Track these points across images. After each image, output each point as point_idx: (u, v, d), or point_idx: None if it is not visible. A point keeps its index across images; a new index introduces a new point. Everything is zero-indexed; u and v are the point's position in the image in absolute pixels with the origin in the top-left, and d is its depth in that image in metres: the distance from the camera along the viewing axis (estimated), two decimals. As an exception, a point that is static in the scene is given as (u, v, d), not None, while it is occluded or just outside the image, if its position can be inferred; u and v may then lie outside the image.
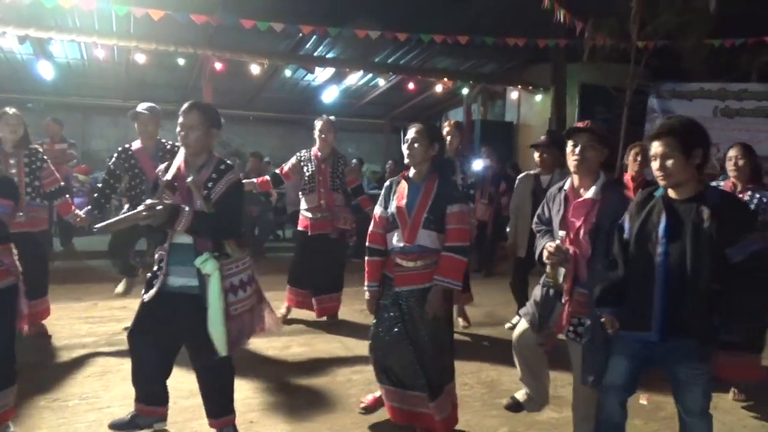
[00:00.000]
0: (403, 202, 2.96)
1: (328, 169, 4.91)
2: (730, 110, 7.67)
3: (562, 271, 2.71)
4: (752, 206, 3.85)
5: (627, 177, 4.45)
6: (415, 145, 2.94)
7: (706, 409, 2.43)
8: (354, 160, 10.78)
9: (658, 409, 3.67)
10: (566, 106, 9.15)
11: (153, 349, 2.75)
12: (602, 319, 2.54)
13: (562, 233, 2.72)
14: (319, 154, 4.94)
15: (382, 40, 7.56)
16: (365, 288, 3.12)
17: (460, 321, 5.06)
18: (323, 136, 4.90)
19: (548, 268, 2.74)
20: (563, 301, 2.76)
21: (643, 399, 3.75)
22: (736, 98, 7.64)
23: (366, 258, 3.13)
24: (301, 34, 7.78)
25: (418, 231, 2.90)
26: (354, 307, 5.28)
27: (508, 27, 7.89)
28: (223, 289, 2.58)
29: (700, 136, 2.34)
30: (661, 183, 2.36)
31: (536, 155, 4.65)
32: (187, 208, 2.55)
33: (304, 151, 5.05)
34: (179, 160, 2.79)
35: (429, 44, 7.90)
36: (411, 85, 9.80)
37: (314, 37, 8.15)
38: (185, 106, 2.70)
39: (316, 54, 9.25)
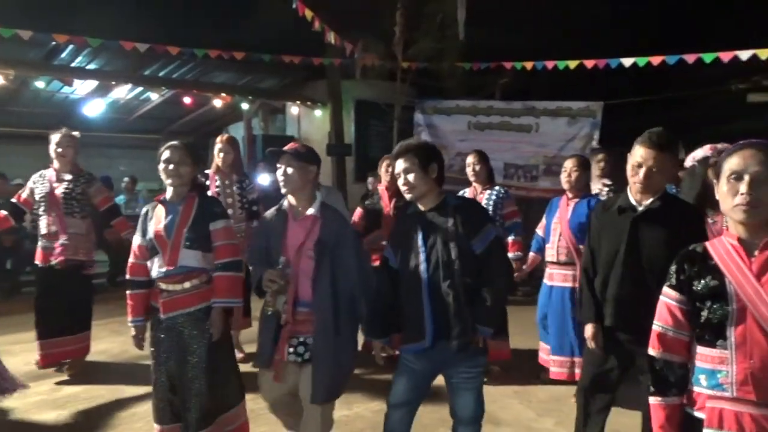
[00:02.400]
0: (161, 225, 2.84)
1: (62, 190, 4.42)
2: (481, 124, 8.76)
3: (282, 298, 2.70)
4: (490, 204, 4.47)
5: (381, 187, 4.79)
6: (181, 166, 2.85)
7: (477, 418, 2.62)
8: (126, 179, 10.01)
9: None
10: (343, 120, 9.61)
11: None
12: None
13: (282, 258, 2.71)
14: (55, 173, 4.43)
15: (151, 53, 7.15)
16: (130, 324, 2.95)
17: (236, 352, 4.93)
18: (61, 152, 4.40)
19: (268, 296, 2.70)
20: (283, 323, 2.73)
21: None
22: (484, 114, 8.75)
23: (128, 292, 2.95)
24: (54, 43, 6.98)
25: (179, 252, 2.81)
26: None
27: (284, 44, 8.04)
28: None
29: (434, 153, 2.65)
30: (408, 196, 2.62)
31: None
32: None
33: (42, 171, 4.49)
34: None
35: (204, 59, 7.68)
36: (187, 100, 9.41)
37: (71, 46, 7.38)
38: None
39: (74, 65, 8.37)
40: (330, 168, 9.62)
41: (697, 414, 1.74)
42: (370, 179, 7.53)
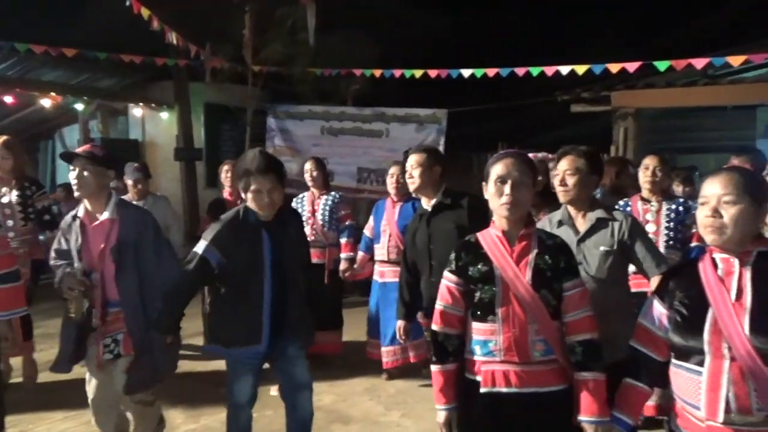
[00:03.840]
0: None
1: None
2: (334, 129, 8.85)
3: (85, 302, 2.69)
4: (327, 208, 4.82)
5: (226, 193, 4.87)
6: None
7: (310, 383, 2.90)
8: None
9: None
10: (192, 124, 9.22)
11: None
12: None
13: (78, 265, 2.73)
14: None
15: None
16: None
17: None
18: None
19: (70, 302, 2.70)
20: (95, 326, 2.76)
21: (273, 390, 4.08)
22: (337, 119, 8.84)
23: None
24: None
25: None
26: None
27: (124, 42, 7.53)
28: None
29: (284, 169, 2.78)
30: (262, 212, 2.70)
31: (130, 183, 4.69)
32: None
33: None
34: None
35: (28, 54, 6.96)
36: (9, 99, 8.46)
37: None
38: None
39: None
40: (179, 173, 9.19)
41: (476, 378, 2.06)
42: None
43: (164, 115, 9.72)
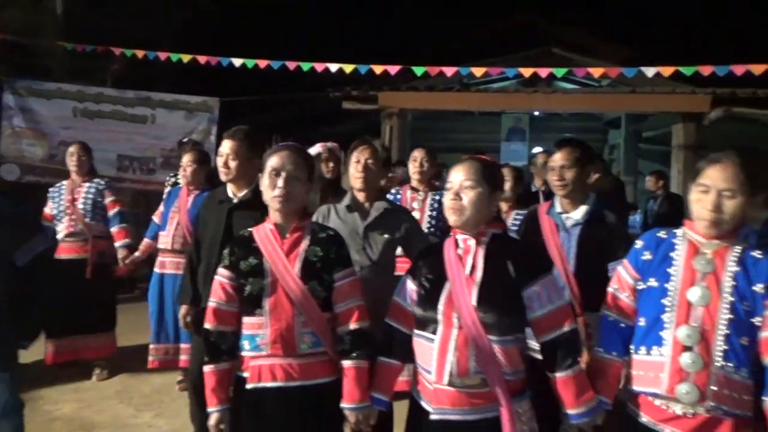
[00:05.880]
0: None
1: None
2: (90, 112, 7.97)
3: None
4: (90, 196, 4.54)
5: None
6: None
7: (9, 409, 2.50)
8: None
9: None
10: None
11: None
12: None
13: None
14: None
15: None
16: None
17: None
18: None
19: None
20: None
21: None
22: (94, 101, 7.96)
23: None
24: None
25: None
26: None
27: None
28: None
29: None
30: None
31: None
32: None
33: None
34: None
35: None
36: None
37: None
38: None
39: None
40: None
41: (244, 374, 2.05)
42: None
43: None
